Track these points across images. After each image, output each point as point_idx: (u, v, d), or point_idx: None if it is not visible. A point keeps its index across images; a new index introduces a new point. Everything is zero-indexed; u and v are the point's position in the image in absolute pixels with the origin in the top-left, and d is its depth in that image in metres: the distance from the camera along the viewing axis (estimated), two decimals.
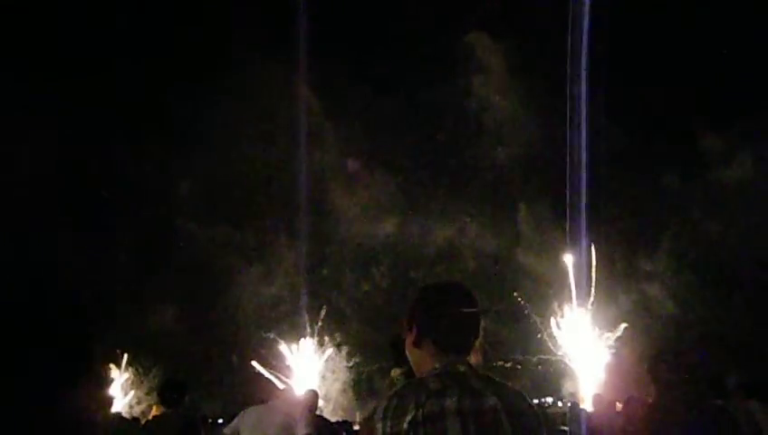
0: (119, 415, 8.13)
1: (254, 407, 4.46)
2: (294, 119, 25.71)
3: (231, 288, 28.43)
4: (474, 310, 1.74)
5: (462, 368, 1.64)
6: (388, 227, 30.03)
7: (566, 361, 25.49)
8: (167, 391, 5.00)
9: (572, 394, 24.82)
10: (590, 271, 23.73)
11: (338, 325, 28.24)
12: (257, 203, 28.49)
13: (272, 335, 27.07)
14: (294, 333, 27.35)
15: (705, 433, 2.63)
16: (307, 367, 27.53)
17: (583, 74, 21.12)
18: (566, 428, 12.24)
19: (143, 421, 8.40)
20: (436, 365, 1.65)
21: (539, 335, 25.78)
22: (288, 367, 26.92)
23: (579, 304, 25.13)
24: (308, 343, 27.64)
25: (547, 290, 26.04)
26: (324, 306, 27.71)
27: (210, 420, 18.58)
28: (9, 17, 20.62)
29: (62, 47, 23.13)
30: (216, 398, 25.59)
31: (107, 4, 24.54)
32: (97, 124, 23.14)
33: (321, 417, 6.23)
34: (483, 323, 1.77)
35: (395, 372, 2.64)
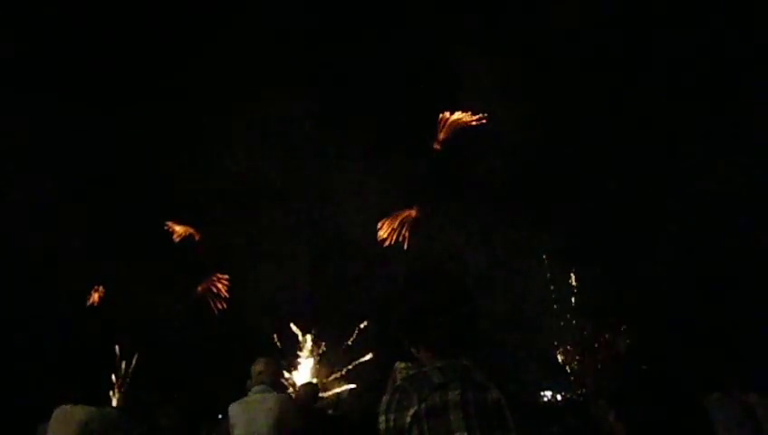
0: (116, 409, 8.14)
1: (240, 400, 4.39)
2: (296, 125, 26.16)
3: (244, 287, 28.61)
4: (463, 314, 1.65)
5: (465, 361, 1.61)
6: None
7: (564, 356, 25.70)
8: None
9: (570, 387, 25.07)
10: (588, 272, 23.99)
11: (350, 321, 28.43)
12: (265, 203, 28.55)
13: (288, 330, 27.27)
14: (307, 329, 27.54)
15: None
16: (317, 363, 27.66)
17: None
18: (566, 420, 12.28)
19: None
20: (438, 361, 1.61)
21: (540, 334, 26.01)
22: (301, 362, 27.08)
23: (578, 302, 25.44)
24: (323, 338, 27.83)
25: (547, 291, 26.26)
26: (334, 304, 27.91)
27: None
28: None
29: (65, 52, 23.00)
30: (236, 392, 25.66)
31: (112, 10, 24.27)
32: (98, 128, 23.03)
33: (320, 411, 6.20)
34: (476, 318, 1.67)
35: (399, 365, 2.60)
